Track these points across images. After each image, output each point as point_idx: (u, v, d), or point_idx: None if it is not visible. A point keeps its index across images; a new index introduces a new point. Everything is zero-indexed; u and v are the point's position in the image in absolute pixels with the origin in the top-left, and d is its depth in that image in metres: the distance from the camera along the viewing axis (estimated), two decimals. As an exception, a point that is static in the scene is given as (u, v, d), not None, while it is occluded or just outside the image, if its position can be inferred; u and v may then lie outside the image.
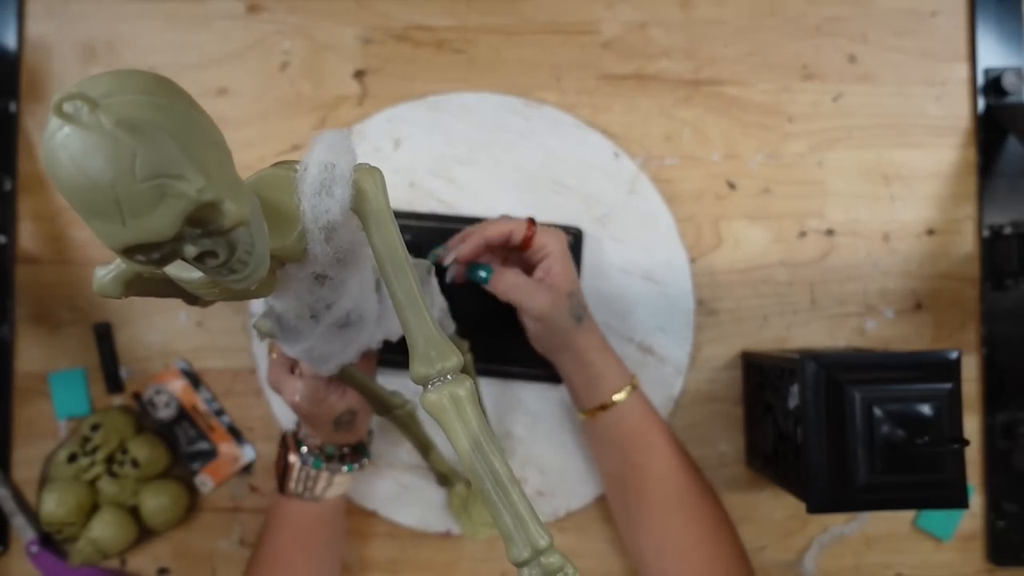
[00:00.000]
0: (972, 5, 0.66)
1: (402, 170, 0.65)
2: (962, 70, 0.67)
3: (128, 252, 0.23)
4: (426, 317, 0.31)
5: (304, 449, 0.55)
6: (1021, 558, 0.64)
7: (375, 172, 0.31)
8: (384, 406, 0.55)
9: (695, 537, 0.54)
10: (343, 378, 0.52)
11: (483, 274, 0.55)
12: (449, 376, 0.30)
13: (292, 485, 0.55)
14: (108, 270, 0.31)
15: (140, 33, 0.67)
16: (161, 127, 0.22)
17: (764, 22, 0.67)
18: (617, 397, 0.56)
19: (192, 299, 0.33)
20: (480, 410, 0.30)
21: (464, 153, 0.65)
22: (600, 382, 0.56)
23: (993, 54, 0.66)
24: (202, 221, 0.24)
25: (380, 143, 0.65)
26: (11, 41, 0.66)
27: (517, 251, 0.57)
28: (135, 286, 0.31)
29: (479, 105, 0.66)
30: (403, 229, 0.63)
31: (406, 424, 0.57)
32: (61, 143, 0.21)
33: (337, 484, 0.56)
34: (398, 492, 0.64)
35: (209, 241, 0.25)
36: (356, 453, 0.56)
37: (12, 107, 0.66)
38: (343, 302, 0.39)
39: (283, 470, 0.55)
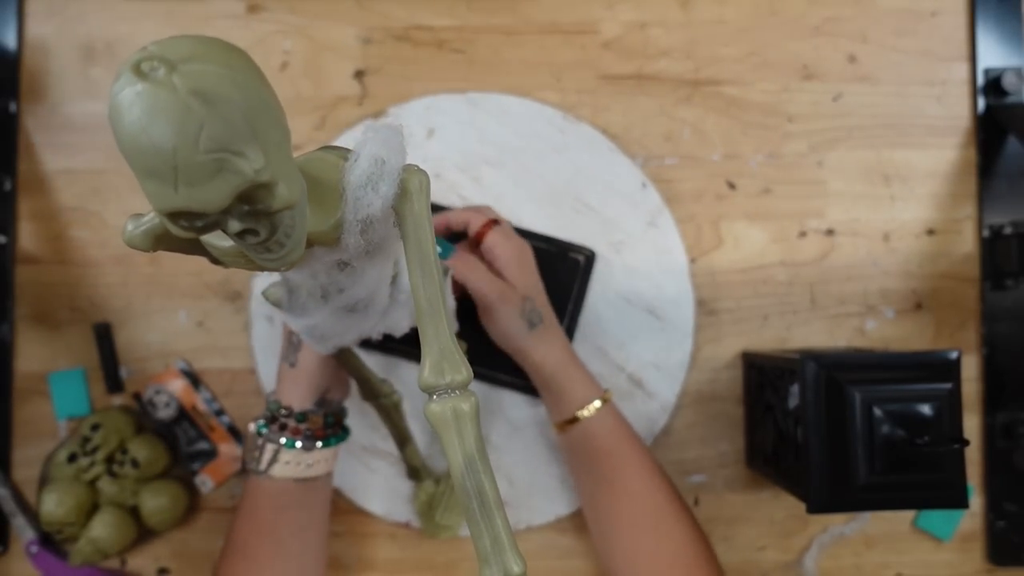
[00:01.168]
0: (972, 5, 0.66)
1: (430, 160, 0.65)
2: (962, 70, 0.67)
3: (173, 216, 0.23)
4: (445, 327, 0.31)
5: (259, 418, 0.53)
6: (1021, 558, 0.64)
7: (422, 174, 0.31)
8: (372, 392, 0.56)
9: (669, 557, 0.53)
10: (339, 359, 0.52)
11: (441, 251, 0.54)
12: (456, 391, 0.31)
13: (244, 454, 0.54)
14: (139, 223, 0.30)
15: (140, 33, 0.67)
16: (233, 103, 0.22)
17: (764, 22, 0.67)
18: (582, 413, 0.55)
19: (215, 260, 0.33)
20: (479, 429, 0.30)
21: (494, 154, 0.65)
22: (565, 397, 0.56)
23: (993, 54, 0.66)
24: (252, 199, 0.24)
25: (414, 129, 0.65)
26: (11, 41, 0.66)
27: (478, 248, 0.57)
28: (164, 242, 0.31)
29: (518, 110, 0.66)
30: None
31: (389, 413, 0.57)
32: (131, 100, 0.21)
33: (283, 462, 0.52)
34: (365, 475, 0.64)
35: (253, 219, 0.25)
36: (297, 424, 0.52)
37: (12, 107, 0.66)
38: (356, 289, 0.40)
39: (245, 441, 0.54)
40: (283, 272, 0.39)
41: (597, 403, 0.55)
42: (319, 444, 0.53)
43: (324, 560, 0.57)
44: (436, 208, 0.64)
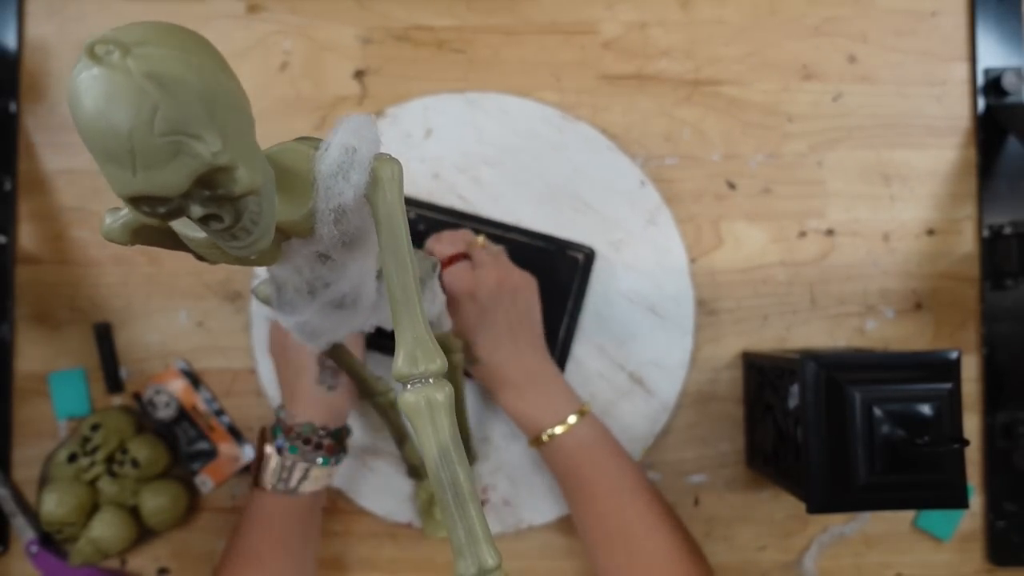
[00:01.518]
0: (972, 5, 0.66)
1: (429, 160, 0.65)
2: (962, 70, 0.67)
3: (134, 202, 0.23)
4: (419, 316, 0.31)
5: (280, 439, 0.54)
6: (1021, 558, 0.64)
7: (394, 163, 0.31)
8: (367, 391, 0.56)
9: (642, 571, 0.53)
10: (332, 356, 0.52)
11: None
12: (431, 380, 0.30)
13: (267, 477, 0.54)
14: (117, 217, 0.30)
15: (140, 33, 0.67)
16: (188, 85, 0.22)
17: (764, 22, 0.67)
18: (547, 435, 0.55)
19: (199, 256, 0.33)
20: (454, 419, 0.30)
21: (493, 154, 0.65)
22: (522, 424, 0.57)
23: (993, 54, 0.66)
24: (213, 184, 0.24)
25: (412, 129, 0.65)
26: (11, 41, 0.66)
27: None
28: (142, 235, 0.31)
29: (517, 109, 0.66)
30: (418, 219, 0.63)
31: (386, 411, 0.57)
32: (86, 84, 0.21)
33: (313, 478, 0.54)
34: (365, 476, 0.64)
35: (216, 205, 0.25)
36: (333, 443, 0.55)
37: (12, 107, 0.66)
38: (341, 284, 0.39)
39: (259, 462, 0.55)
40: (269, 269, 0.39)
41: (568, 421, 0.55)
42: (342, 453, 0.56)
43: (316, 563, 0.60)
44: (436, 210, 0.64)
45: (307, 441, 0.54)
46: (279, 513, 0.54)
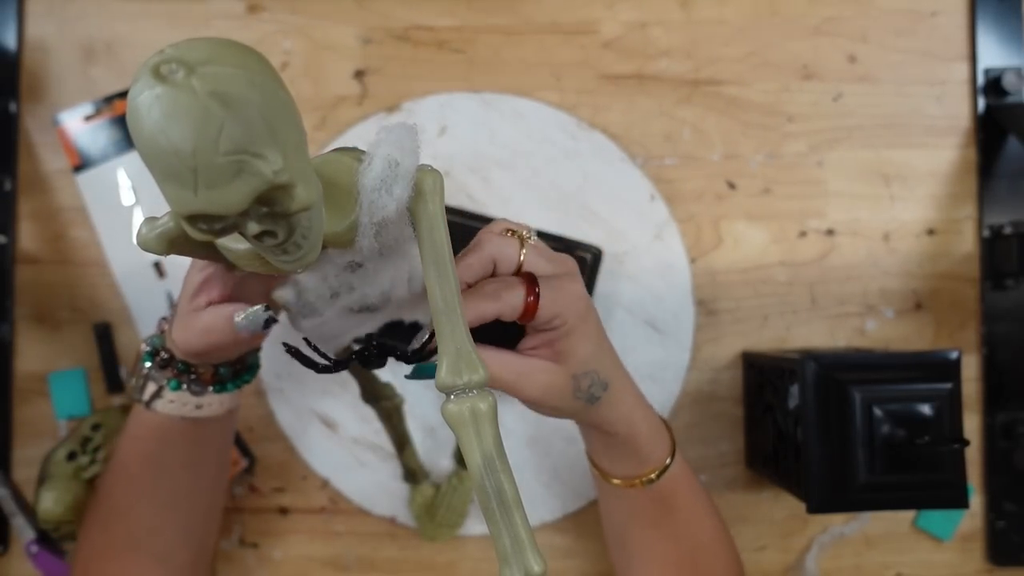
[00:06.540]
0: (972, 5, 0.66)
1: (440, 158, 0.65)
2: (962, 70, 0.67)
3: (192, 219, 0.23)
4: (461, 327, 0.31)
5: (146, 343, 0.46)
6: (1021, 558, 0.64)
7: (436, 175, 0.31)
8: (372, 395, 0.56)
9: None
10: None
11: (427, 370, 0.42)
12: (474, 391, 0.31)
13: (131, 379, 0.47)
14: (153, 227, 0.30)
15: (140, 33, 0.67)
16: (252, 104, 0.22)
17: (764, 22, 0.67)
18: (651, 477, 0.46)
19: (228, 264, 0.33)
20: (497, 428, 0.30)
21: (505, 156, 0.65)
22: (629, 458, 0.46)
23: (993, 54, 0.66)
24: (271, 201, 0.24)
25: (427, 125, 0.65)
26: (11, 41, 0.66)
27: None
28: (177, 245, 0.31)
29: (533, 113, 0.66)
30: None
31: (390, 416, 0.57)
32: (150, 102, 0.21)
33: (167, 400, 0.45)
34: (352, 465, 0.64)
35: (271, 221, 0.25)
36: (182, 370, 0.45)
37: (12, 107, 0.66)
38: (368, 289, 0.39)
39: (135, 360, 0.48)
40: (296, 274, 0.39)
41: (667, 461, 0.46)
42: (211, 389, 0.46)
43: (219, 506, 0.52)
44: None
45: (155, 354, 0.45)
46: (147, 427, 0.47)
